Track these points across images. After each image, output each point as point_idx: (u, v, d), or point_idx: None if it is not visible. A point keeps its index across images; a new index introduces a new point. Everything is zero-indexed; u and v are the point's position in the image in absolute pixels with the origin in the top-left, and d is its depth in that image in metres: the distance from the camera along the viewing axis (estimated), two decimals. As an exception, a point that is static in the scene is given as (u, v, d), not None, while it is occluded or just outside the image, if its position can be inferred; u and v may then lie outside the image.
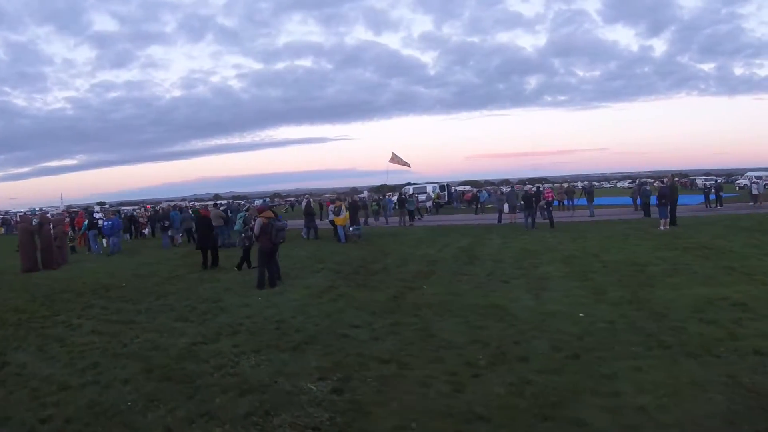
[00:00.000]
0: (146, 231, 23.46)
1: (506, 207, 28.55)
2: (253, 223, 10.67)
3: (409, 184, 52.75)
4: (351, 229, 16.95)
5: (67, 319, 8.07)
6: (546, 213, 19.68)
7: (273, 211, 10.15)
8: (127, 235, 22.96)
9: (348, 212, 17.03)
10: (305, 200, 20.24)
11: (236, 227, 13.44)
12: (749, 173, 50.52)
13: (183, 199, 75.14)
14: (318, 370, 5.20)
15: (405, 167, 30.77)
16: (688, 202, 24.32)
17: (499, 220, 21.90)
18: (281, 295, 8.96)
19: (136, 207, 44.64)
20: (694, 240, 12.87)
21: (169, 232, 18.30)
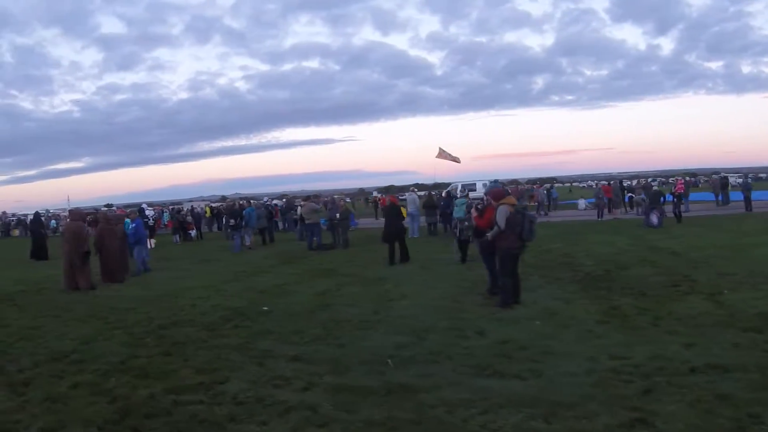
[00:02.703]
0: (192, 232, 18.96)
1: (581, 203, 26.00)
2: (473, 213, 6.87)
3: (414, 184, 48.66)
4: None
5: (282, 400, 3.85)
6: (674, 207, 16.95)
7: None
8: (176, 237, 18.50)
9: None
10: (409, 194, 16.10)
11: (456, 215, 10.16)
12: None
13: (190, 200, 69.65)
14: None
15: (455, 162, 27.04)
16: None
17: (600, 216, 19.24)
18: (560, 316, 5.69)
19: (152, 207, 37.72)
20: None
21: (242, 232, 14.00)
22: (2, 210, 57.29)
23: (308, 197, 14.90)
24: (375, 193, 62.96)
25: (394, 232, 9.92)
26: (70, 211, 10.23)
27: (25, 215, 43.63)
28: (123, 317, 6.63)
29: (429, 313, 6.13)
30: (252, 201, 16.46)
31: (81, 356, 5.01)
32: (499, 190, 6.71)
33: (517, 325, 5.39)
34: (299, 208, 16.63)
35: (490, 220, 6.26)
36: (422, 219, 15.85)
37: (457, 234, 9.55)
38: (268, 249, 14.17)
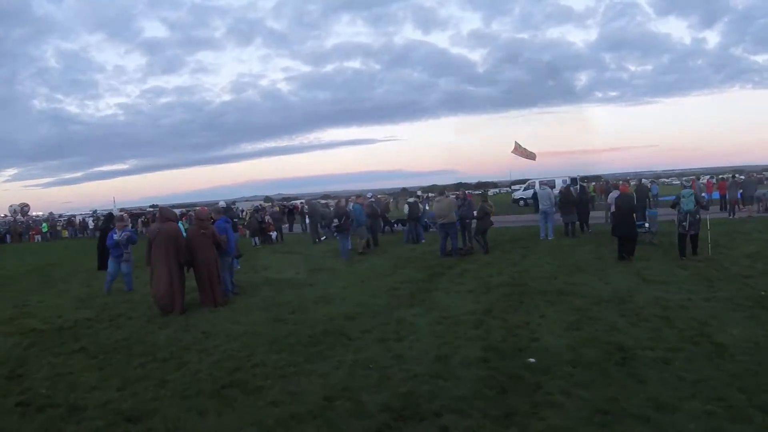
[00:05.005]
0: (273, 234, 16.35)
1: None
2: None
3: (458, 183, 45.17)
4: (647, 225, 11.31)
5: None
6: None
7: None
8: (255, 240, 15.93)
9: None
10: (542, 188, 13.03)
11: (686, 207, 8.36)
12: None
13: (234, 202, 67.41)
14: None
15: (530, 159, 24.14)
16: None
17: (732, 214, 17.03)
18: None
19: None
20: None
21: (347, 234, 11.25)
22: (49, 211, 57.26)
23: (442, 191, 11.94)
24: (418, 192, 59.60)
25: (626, 225, 8.69)
26: (160, 209, 7.54)
27: (74, 215, 42.77)
28: (287, 384, 3.85)
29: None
30: (358, 197, 13.61)
31: None
32: None
33: None
34: (406, 206, 13.79)
35: None
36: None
37: (686, 228, 8.43)
38: (381, 254, 11.35)
